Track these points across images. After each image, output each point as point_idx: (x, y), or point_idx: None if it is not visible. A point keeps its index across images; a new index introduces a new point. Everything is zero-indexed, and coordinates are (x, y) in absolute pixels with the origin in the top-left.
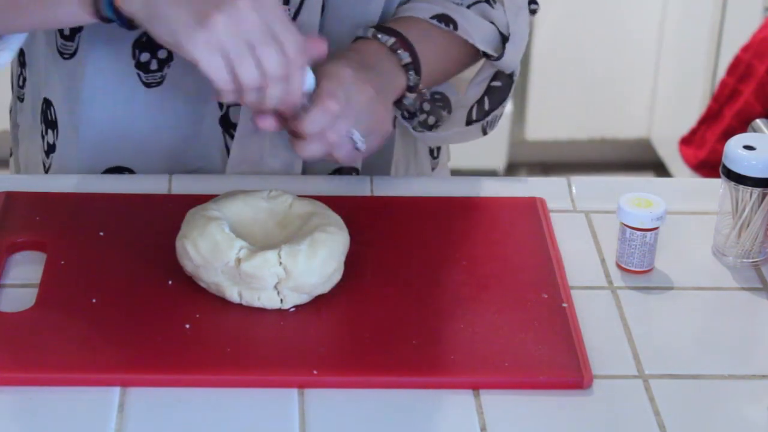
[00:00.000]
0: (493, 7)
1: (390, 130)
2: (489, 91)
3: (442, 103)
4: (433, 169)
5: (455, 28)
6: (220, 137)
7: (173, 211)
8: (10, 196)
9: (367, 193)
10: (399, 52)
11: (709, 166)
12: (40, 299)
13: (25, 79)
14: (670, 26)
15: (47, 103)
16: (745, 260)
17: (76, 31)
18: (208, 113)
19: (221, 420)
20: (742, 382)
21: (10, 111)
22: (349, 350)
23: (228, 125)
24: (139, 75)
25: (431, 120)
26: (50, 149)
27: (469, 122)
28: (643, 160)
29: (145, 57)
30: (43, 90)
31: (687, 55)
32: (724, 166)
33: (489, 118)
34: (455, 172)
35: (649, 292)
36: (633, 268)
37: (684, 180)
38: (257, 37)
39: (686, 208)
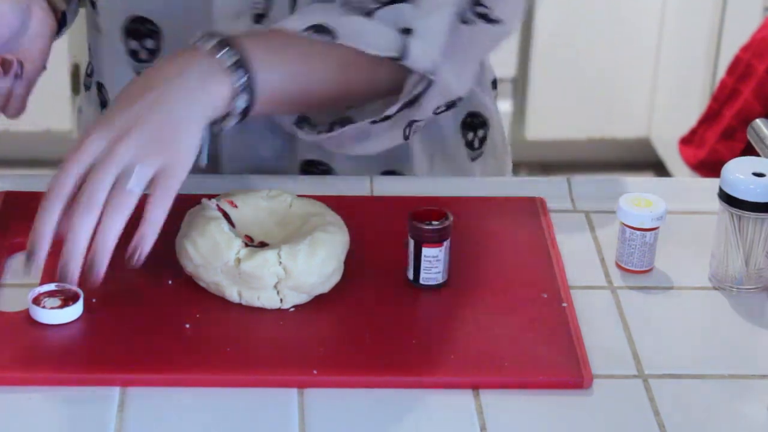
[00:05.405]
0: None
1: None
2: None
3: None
4: (473, 159)
5: (334, 37)
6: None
7: (173, 211)
8: (10, 196)
9: (367, 193)
10: (222, 57)
11: (709, 165)
12: None
13: (93, 69)
14: (669, 26)
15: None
16: (744, 287)
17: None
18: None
19: (221, 420)
20: (742, 382)
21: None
22: (349, 350)
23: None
24: None
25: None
26: None
27: (386, 117)
28: (643, 160)
29: None
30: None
31: (687, 55)
32: (723, 191)
33: (407, 113)
34: None
35: (649, 292)
36: (633, 268)
37: (684, 180)
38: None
39: (686, 208)
